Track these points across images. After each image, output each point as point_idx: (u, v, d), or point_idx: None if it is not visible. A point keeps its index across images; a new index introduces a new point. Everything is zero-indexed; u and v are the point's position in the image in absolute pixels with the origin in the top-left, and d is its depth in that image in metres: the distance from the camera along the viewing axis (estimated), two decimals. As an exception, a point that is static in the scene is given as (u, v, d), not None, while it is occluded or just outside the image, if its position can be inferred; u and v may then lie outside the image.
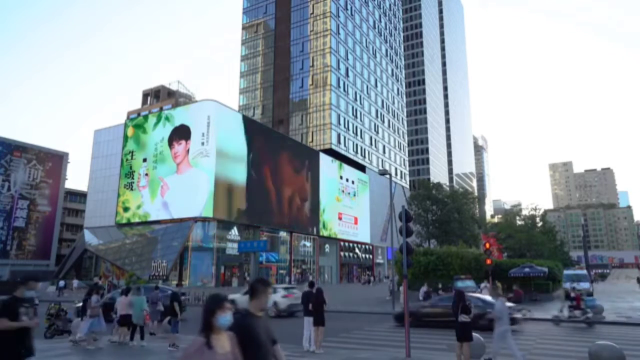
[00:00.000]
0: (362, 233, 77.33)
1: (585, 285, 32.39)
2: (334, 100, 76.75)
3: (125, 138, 56.16)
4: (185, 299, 21.52)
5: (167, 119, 52.95)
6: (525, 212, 75.62)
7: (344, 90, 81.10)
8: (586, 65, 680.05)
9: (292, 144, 65.25)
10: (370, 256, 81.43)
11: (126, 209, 53.59)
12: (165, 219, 49.26)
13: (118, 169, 55.74)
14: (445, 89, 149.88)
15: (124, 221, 53.43)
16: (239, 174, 51.56)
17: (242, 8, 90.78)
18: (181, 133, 50.83)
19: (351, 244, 75.34)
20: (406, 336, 10.94)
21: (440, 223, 65.37)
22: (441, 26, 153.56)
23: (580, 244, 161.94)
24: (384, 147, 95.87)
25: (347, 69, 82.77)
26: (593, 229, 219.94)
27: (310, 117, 77.95)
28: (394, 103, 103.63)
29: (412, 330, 16.92)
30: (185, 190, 48.22)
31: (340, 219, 70.83)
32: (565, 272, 35.90)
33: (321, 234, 66.14)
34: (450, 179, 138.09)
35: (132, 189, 53.68)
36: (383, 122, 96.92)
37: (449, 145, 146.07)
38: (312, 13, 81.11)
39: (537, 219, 72.46)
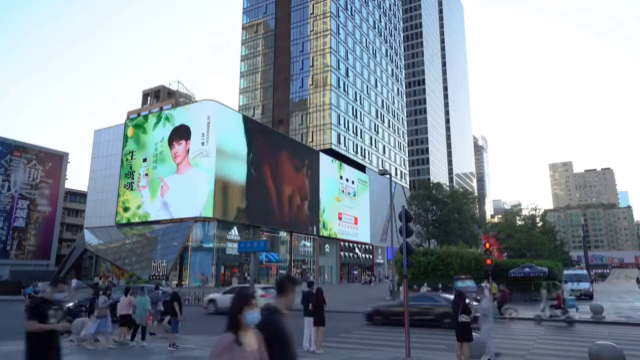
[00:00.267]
0: (362, 233, 77.33)
1: (585, 285, 32.44)
2: (334, 100, 76.76)
3: (125, 138, 56.16)
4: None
5: (167, 119, 52.95)
6: (525, 212, 75.61)
7: (344, 90, 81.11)
8: (586, 65, 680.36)
9: (292, 144, 65.24)
10: (370, 256, 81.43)
11: (126, 209, 53.59)
12: (165, 219, 49.25)
13: (118, 169, 55.74)
14: (445, 89, 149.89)
15: (124, 221, 53.43)
16: (239, 173, 51.56)
17: (242, 8, 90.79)
18: (181, 133, 50.83)
19: (351, 244, 75.34)
20: (406, 336, 10.95)
21: (440, 223, 65.36)
22: (441, 26, 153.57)
23: (580, 244, 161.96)
24: (384, 147, 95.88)
25: (347, 69, 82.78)
26: (593, 229, 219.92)
27: (310, 117, 77.96)
28: (394, 103, 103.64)
29: (382, 329, 17.22)
30: (185, 190, 48.21)
31: (340, 219, 70.83)
32: (565, 272, 35.90)
33: (321, 234, 66.14)
34: (450, 179, 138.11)
35: (132, 189, 53.69)
36: (383, 122, 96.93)
37: (449, 145, 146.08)
38: (312, 13, 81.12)
39: (537, 219, 72.44)
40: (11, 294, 38.92)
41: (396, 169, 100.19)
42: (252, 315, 3.11)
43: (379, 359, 11.16)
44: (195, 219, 47.31)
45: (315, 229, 64.77)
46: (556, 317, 18.73)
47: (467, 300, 10.16)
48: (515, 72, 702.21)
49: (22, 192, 62.65)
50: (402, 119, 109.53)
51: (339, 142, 77.30)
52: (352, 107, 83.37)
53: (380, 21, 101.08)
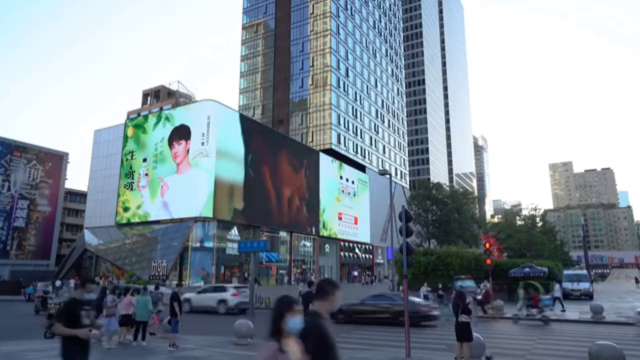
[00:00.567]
0: (362, 233, 77.33)
1: (585, 285, 32.44)
2: (334, 100, 76.76)
3: (125, 138, 56.16)
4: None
5: (167, 119, 52.95)
6: (525, 212, 75.60)
7: (344, 90, 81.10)
8: (586, 65, 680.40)
9: (292, 144, 65.24)
10: (370, 256, 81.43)
11: (126, 209, 53.60)
12: (165, 219, 49.26)
13: (118, 169, 55.74)
14: (445, 89, 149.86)
15: (124, 221, 53.44)
16: (239, 173, 51.56)
17: (242, 8, 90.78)
18: (181, 133, 50.83)
19: (351, 244, 75.34)
20: (406, 336, 10.95)
21: (440, 223, 65.33)
22: (441, 26, 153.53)
23: (580, 244, 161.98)
24: (384, 147, 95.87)
25: (347, 69, 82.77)
26: (593, 229, 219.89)
27: (310, 117, 77.96)
28: (394, 103, 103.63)
29: (345, 326, 17.38)
30: (185, 190, 48.22)
31: (340, 219, 70.83)
32: (565, 272, 35.89)
33: (321, 234, 66.15)
34: (450, 179, 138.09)
35: (132, 189, 53.69)
36: (383, 122, 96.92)
37: (449, 145, 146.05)
38: (312, 13, 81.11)
39: (537, 219, 72.43)
40: (11, 294, 38.92)
41: (396, 169, 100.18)
42: (295, 322, 3.03)
43: (379, 359, 11.16)
44: (195, 219, 47.31)
45: (315, 229, 64.78)
46: (532, 316, 19.14)
47: (468, 300, 10.17)
48: (515, 72, 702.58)
49: (22, 192, 62.64)
50: (402, 119, 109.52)
51: (339, 142, 77.29)
52: (352, 107, 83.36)
53: (380, 21, 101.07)
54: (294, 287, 40.32)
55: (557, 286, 24.04)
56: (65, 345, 5.29)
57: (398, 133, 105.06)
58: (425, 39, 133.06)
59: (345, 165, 74.33)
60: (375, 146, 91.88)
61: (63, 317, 5.36)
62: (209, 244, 47.96)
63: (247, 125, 55.22)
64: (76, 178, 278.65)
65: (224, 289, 24.98)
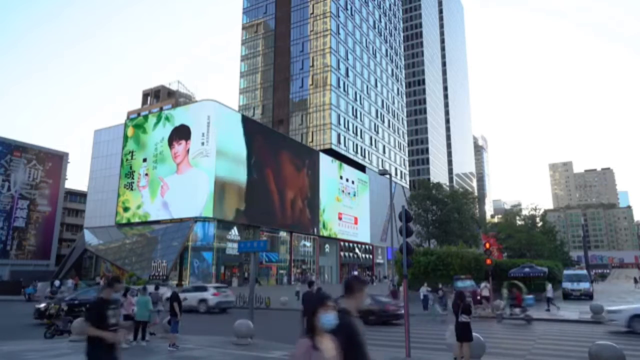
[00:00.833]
0: (362, 233, 77.33)
1: (585, 285, 32.39)
2: (334, 100, 76.75)
3: (125, 138, 56.15)
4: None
5: (167, 119, 52.95)
6: (525, 212, 75.51)
7: (344, 90, 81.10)
8: (586, 65, 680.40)
9: (292, 144, 65.23)
10: (370, 256, 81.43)
11: (126, 209, 53.59)
12: (165, 219, 49.25)
13: (118, 169, 55.73)
14: (445, 89, 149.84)
15: (124, 221, 53.43)
16: (238, 173, 51.56)
17: (242, 8, 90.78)
18: (181, 133, 50.82)
19: (351, 244, 75.34)
20: (406, 336, 10.94)
21: (440, 223, 65.28)
22: (441, 26, 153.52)
23: (580, 244, 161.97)
24: (384, 147, 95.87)
25: (347, 69, 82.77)
26: (593, 229, 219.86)
27: (310, 117, 77.95)
28: (394, 103, 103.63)
29: (293, 323, 17.50)
30: (185, 190, 48.21)
31: (340, 219, 70.83)
32: (565, 272, 35.85)
33: (321, 234, 66.14)
34: (450, 179, 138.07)
35: (132, 189, 53.68)
36: (383, 122, 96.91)
37: (449, 145, 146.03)
38: (312, 13, 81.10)
39: (537, 219, 72.37)
40: (11, 294, 38.92)
41: (396, 169, 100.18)
42: (328, 318, 2.98)
43: (379, 358, 11.15)
44: (195, 219, 47.30)
45: (315, 229, 64.78)
46: (515, 316, 19.38)
47: (468, 300, 10.16)
48: (515, 72, 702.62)
49: (22, 192, 62.63)
50: (402, 119, 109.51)
51: (339, 142, 77.29)
52: (352, 107, 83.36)
53: (380, 21, 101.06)
54: (293, 287, 40.31)
55: (549, 286, 24.13)
56: (92, 346, 5.23)
57: (398, 133, 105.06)
58: (425, 39, 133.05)
59: (345, 165, 74.32)
60: (375, 146, 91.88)
61: (92, 317, 5.30)
62: (209, 244, 47.92)
63: (249, 125, 55.22)
64: (76, 178, 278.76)
65: (204, 289, 25.65)
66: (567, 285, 32.31)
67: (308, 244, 64.99)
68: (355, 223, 75.40)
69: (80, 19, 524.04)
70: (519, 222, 72.16)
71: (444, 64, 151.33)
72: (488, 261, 25.26)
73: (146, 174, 52.71)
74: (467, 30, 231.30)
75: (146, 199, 51.93)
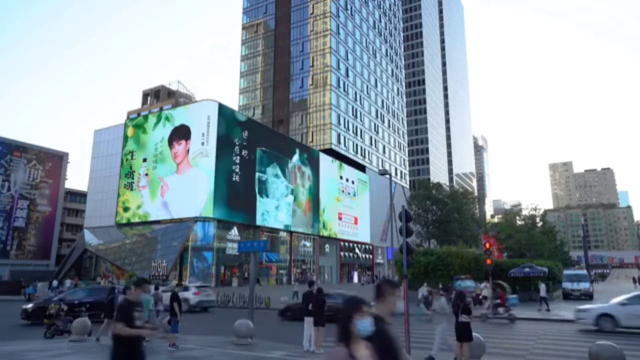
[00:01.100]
0: (362, 233, 77.32)
1: (585, 285, 32.39)
2: (334, 100, 76.75)
3: (125, 138, 56.15)
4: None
5: (167, 119, 52.94)
6: (525, 212, 75.50)
7: (344, 90, 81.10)
8: (586, 65, 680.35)
9: (292, 144, 65.19)
10: (370, 256, 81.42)
11: (126, 209, 53.59)
12: (165, 219, 49.25)
13: (118, 169, 55.73)
14: (445, 89, 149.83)
15: (124, 221, 53.43)
16: (238, 173, 51.52)
17: (242, 8, 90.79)
18: (181, 133, 50.81)
19: (351, 244, 75.33)
20: (406, 336, 10.94)
21: (440, 223, 65.28)
22: (441, 26, 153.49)
23: (580, 244, 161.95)
24: (384, 147, 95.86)
25: (347, 69, 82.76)
26: (593, 229, 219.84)
27: (310, 117, 77.95)
28: (394, 103, 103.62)
29: (292, 323, 17.93)
30: (185, 190, 48.20)
31: (340, 219, 70.82)
32: (565, 272, 35.85)
33: (321, 234, 66.13)
34: (450, 179, 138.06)
35: (132, 189, 53.68)
36: (383, 122, 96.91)
37: (449, 145, 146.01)
38: (312, 13, 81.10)
39: (537, 219, 72.36)
40: (11, 294, 38.90)
41: (396, 169, 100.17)
42: (365, 324, 2.77)
43: (379, 359, 11.14)
44: (195, 219, 47.30)
45: (315, 229, 64.76)
46: (499, 315, 19.68)
47: (468, 300, 10.16)
48: (515, 72, 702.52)
49: (22, 192, 62.63)
50: (402, 119, 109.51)
51: (339, 142, 77.29)
52: (352, 107, 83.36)
53: (380, 21, 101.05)
54: (293, 288, 40.32)
55: (542, 286, 24.25)
56: (118, 347, 5.16)
57: (398, 133, 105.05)
58: (425, 39, 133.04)
59: (345, 165, 74.32)
60: (375, 146, 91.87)
61: (125, 317, 5.25)
62: (209, 244, 47.91)
63: (249, 125, 55.18)
64: (76, 178, 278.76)
65: (186, 289, 26.19)
66: (567, 285, 32.31)
67: (308, 244, 64.99)
68: (355, 223, 75.39)
69: (80, 19, 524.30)
70: (519, 222, 72.14)
71: (444, 64, 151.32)
72: (488, 261, 25.25)
73: (146, 174, 52.71)
74: (467, 30, 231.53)
75: (146, 199, 51.93)
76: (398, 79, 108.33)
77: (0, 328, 17.65)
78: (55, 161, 67.70)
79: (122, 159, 55.68)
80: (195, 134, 49.66)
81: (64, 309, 15.91)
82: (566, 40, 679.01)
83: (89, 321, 14.08)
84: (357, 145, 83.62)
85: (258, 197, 53.84)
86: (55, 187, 67.03)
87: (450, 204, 65.70)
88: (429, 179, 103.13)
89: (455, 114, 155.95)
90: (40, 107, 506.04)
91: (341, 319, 2.83)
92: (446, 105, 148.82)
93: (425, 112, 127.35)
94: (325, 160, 68.67)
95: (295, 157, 62.19)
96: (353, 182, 76.10)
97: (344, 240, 72.49)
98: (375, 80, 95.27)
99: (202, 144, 48.89)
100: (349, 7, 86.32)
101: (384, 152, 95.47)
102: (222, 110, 51.04)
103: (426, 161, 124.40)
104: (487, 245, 27.93)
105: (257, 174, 54.06)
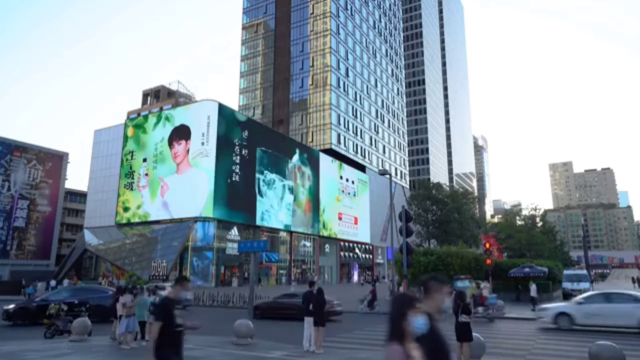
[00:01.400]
0: (362, 233, 77.32)
1: (585, 285, 32.38)
2: (334, 100, 76.74)
3: (125, 138, 56.15)
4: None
5: (167, 119, 52.95)
6: (525, 212, 75.54)
7: (344, 90, 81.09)
8: (586, 65, 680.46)
9: (292, 144, 65.21)
10: (370, 256, 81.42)
11: (126, 209, 53.59)
12: (165, 219, 49.25)
13: (118, 169, 55.73)
14: (445, 89, 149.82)
15: (124, 221, 53.43)
16: (238, 174, 51.52)
17: (242, 8, 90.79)
18: (181, 133, 50.82)
19: (351, 244, 75.33)
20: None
21: (440, 223, 65.24)
22: (441, 26, 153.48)
23: (580, 244, 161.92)
24: (384, 147, 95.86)
25: (347, 69, 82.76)
26: (593, 229, 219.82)
27: (310, 117, 77.95)
28: (394, 103, 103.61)
29: (262, 321, 18.32)
30: (185, 190, 48.21)
31: (340, 219, 70.82)
32: (565, 272, 35.86)
33: (321, 234, 66.13)
34: (450, 179, 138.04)
35: (132, 189, 53.68)
36: (383, 122, 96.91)
37: (449, 145, 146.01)
38: (312, 13, 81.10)
39: (537, 219, 72.37)
40: (11, 294, 38.85)
41: (396, 169, 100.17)
42: (419, 322, 2.68)
43: (379, 359, 11.14)
44: (195, 219, 47.30)
45: (315, 229, 64.76)
46: (479, 314, 19.85)
47: (468, 300, 10.15)
48: (515, 72, 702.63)
49: (22, 192, 62.63)
50: (402, 119, 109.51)
51: (339, 142, 77.28)
52: (352, 107, 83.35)
53: (380, 21, 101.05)
54: (289, 289, 40.34)
55: (533, 286, 24.33)
56: (160, 345, 5.15)
57: (398, 133, 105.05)
58: (425, 39, 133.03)
59: (345, 165, 74.32)
60: (375, 146, 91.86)
61: (162, 316, 5.24)
62: (209, 244, 47.92)
63: (249, 125, 55.18)
64: (76, 178, 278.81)
65: (163, 288, 26.22)
66: (567, 285, 32.30)
67: (308, 244, 64.99)
68: (355, 223, 75.39)
69: (80, 19, 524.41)
70: (519, 222, 72.17)
71: (444, 64, 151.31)
72: (488, 261, 25.28)
73: (146, 174, 52.71)
74: (467, 30, 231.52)
75: (146, 199, 51.93)
76: (398, 79, 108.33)
77: (1, 328, 17.63)
78: (55, 161, 67.70)
79: (122, 159, 55.69)
80: (195, 134, 49.66)
81: (64, 309, 15.91)
82: (566, 40, 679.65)
83: (89, 321, 14.07)
84: (357, 145, 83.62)
85: (258, 197, 53.87)
86: (55, 187, 67.03)
87: (450, 204, 65.67)
88: (429, 179, 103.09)
89: (455, 114, 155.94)
90: (40, 107, 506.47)
91: (394, 316, 2.72)
92: (446, 105, 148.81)
93: (425, 112, 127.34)
94: (325, 160, 68.67)
95: (295, 157, 62.25)
96: (353, 182, 76.11)
97: (344, 240, 72.49)
98: (375, 80, 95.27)
99: (202, 144, 48.89)
100: (349, 7, 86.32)
101: (384, 152, 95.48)
102: (222, 110, 50.99)
103: (426, 161, 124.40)
104: (487, 245, 27.98)
105: (257, 174, 54.10)
